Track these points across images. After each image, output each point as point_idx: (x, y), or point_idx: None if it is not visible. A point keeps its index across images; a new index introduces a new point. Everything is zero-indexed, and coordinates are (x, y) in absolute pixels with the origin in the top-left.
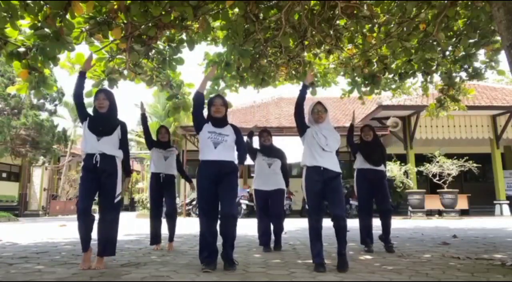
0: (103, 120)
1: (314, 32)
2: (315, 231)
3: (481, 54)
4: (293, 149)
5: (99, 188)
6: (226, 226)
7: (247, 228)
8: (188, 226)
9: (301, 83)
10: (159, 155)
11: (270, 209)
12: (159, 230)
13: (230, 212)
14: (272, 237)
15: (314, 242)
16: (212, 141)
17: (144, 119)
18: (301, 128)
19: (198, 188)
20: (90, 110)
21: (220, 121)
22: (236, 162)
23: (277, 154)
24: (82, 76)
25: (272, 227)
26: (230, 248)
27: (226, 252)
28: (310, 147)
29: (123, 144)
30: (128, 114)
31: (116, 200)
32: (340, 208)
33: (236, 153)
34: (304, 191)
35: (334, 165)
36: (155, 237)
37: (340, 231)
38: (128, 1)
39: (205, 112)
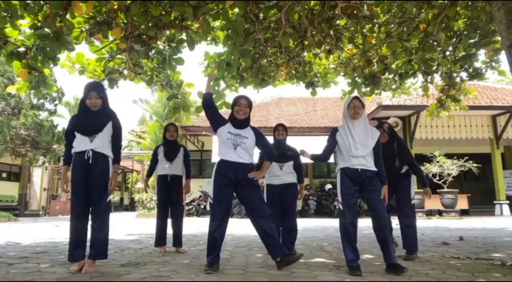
0: (93, 119)
1: (314, 32)
2: (349, 232)
3: (482, 54)
4: None
5: (90, 186)
6: (268, 225)
7: (247, 228)
8: (188, 226)
9: (301, 83)
10: (164, 159)
11: (280, 206)
12: (165, 231)
13: (268, 211)
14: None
15: (346, 245)
16: (231, 142)
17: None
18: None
19: (215, 187)
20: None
21: (242, 123)
22: (254, 162)
23: (289, 157)
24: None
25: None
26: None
27: (286, 247)
28: (342, 149)
29: (115, 142)
30: (128, 114)
31: (107, 199)
32: (382, 214)
33: (255, 155)
34: (338, 191)
35: (369, 165)
36: (161, 239)
37: (383, 241)
38: (128, 1)
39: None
